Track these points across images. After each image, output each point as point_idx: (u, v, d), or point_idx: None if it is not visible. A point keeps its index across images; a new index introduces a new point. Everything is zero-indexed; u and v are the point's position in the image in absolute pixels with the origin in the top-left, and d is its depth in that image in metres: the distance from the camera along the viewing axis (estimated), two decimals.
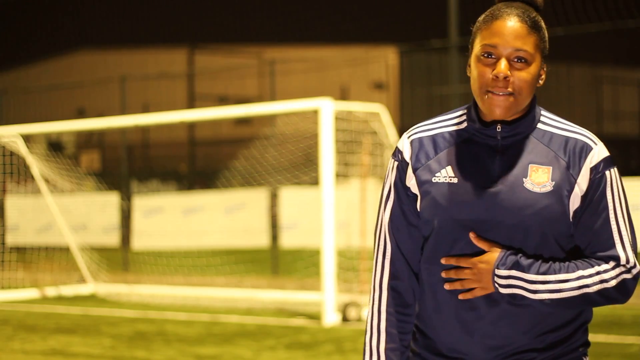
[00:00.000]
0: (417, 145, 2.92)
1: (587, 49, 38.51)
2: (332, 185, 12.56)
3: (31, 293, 16.30)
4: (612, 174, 2.84)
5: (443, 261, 2.82)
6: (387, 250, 2.96)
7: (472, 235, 2.79)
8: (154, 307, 14.51)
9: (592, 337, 11.17)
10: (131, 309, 14.39)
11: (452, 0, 16.20)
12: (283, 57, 31.55)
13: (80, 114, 41.12)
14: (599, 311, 12.94)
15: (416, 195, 2.91)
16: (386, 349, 2.94)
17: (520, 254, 2.79)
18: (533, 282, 2.77)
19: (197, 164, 36.87)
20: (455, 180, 2.85)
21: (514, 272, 2.77)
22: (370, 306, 2.98)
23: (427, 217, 2.88)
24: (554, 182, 2.80)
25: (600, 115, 44.43)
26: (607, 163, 2.84)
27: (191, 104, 40.88)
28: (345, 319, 12.26)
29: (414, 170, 2.91)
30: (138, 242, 19.99)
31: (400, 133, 13.69)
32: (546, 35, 2.87)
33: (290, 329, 12.00)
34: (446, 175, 2.86)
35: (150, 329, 12.21)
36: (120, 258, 19.73)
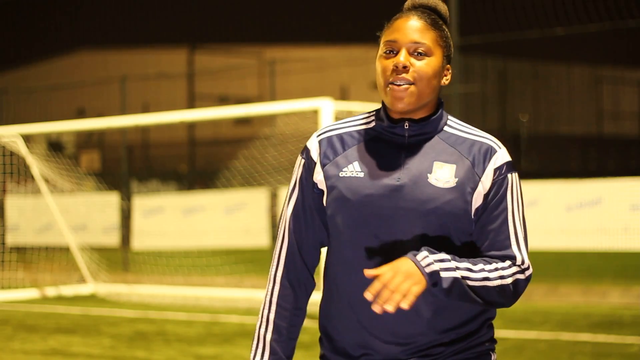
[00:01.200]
0: (326, 144, 3.02)
1: (587, 49, 38.51)
2: None
3: (31, 293, 16.30)
4: (513, 177, 2.95)
5: (365, 272, 2.83)
6: (284, 244, 3.08)
7: (366, 273, 2.80)
8: (154, 307, 14.51)
9: (592, 337, 11.01)
10: (131, 309, 14.39)
11: (452, 0, 16.19)
12: (283, 57, 31.56)
13: (80, 114, 41.13)
14: (599, 311, 12.85)
15: (322, 191, 3.00)
16: (272, 340, 3.08)
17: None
18: (455, 267, 2.81)
19: (197, 164, 36.87)
20: (361, 174, 2.93)
21: (432, 257, 2.79)
22: (264, 296, 3.11)
23: (333, 211, 2.96)
24: (457, 179, 2.90)
25: (600, 115, 44.42)
26: (509, 167, 2.95)
27: (191, 104, 40.89)
28: None
29: (322, 166, 2.99)
30: (138, 242, 19.99)
31: None
32: (449, 39, 3.00)
33: None
34: (353, 170, 2.95)
35: (150, 329, 12.22)
36: (120, 258, 19.72)
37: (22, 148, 16.37)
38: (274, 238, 18.72)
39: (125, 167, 21.49)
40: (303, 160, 3.05)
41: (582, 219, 14.27)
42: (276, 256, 3.09)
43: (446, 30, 2.99)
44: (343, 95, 38.81)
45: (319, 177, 3.00)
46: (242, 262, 16.98)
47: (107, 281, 16.65)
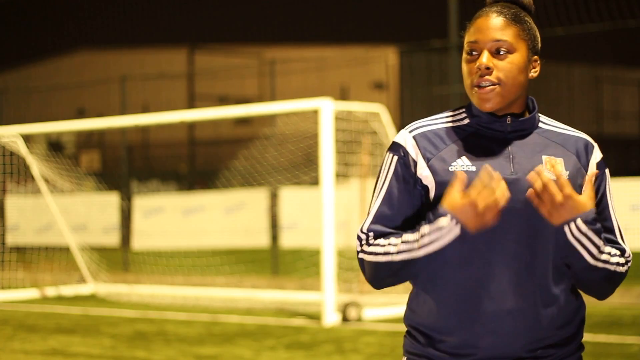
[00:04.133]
0: (423, 139, 2.93)
1: (587, 49, 38.51)
2: (332, 185, 12.56)
3: (31, 293, 16.30)
4: (608, 172, 2.99)
5: (545, 160, 2.86)
6: (380, 207, 2.93)
7: (540, 171, 2.77)
8: (154, 307, 14.51)
9: (592, 337, 11.02)
10: (131, 309, 14.39)
11: (452, 0, 16.19)
12: (283, 57, 31.56)
13: (80, 114, 41.12)
14: (599, 311, 12.85)
15: (427, 187, 2.90)
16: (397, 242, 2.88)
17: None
18: (599, 247, 2.84)
19: (197, 164, 36.86)
20: (473, 168, 2.86)
21: (591, 234, 2.82)
22: (381, 256, 2.88)
23: (440, 208, 2.83)
24: (568, 172, 2.89)
25: (600, 115, 44.42)
26: (604, 163, 2.99)
27: (191, 104, 40.88)
28: (345, 319, 12.26)
29: (427, 161, 2.90)
30: (138, 242, 19.99)
31: None
32: (534, 30, 2.95)
33: (290, 329, 12.00)
34: (463, 164, 2.88)
35: (150, 329, 12.21)
36: (120, 258, 19.73)
37: (22, 148, 16.37)
38: (274, 238, 18.80)
39: (125, 167, 21.48)
40: (396, 157, 2.93)
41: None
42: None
43: (529, 22, 2.94)
44: (343, 95, 38.80)
45: (423, 172, 2.89)
46: (242, 262, 16.98)
47: (107, 281, 16.65)
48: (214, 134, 39.05)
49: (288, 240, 18.46)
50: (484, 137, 2.92)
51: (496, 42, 2.87)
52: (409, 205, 2.91)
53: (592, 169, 2.93)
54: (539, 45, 2.97)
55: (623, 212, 13.85)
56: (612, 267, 2.87)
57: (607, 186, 2.97)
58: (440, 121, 2.98)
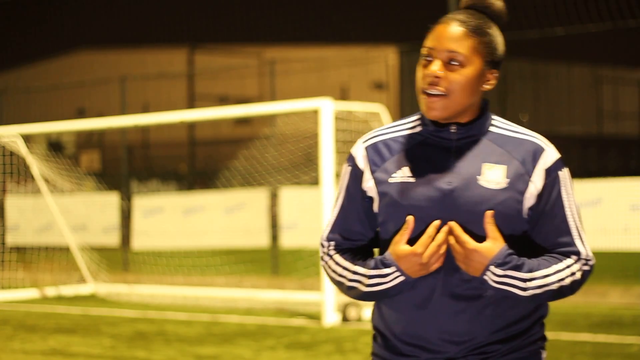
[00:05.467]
0: (372, 150, 3.00)
1: (587, 49, 38.51)
2: (332, 185, 12.57)
3: (31, 293, 16.29)
4: (565, 173, 2.96)
5: (449, 225, 2.86)
6: (335, 230, 3.06)
7: (453, 227, 2.83)
8: (154, 307, 14.51)
9: (592, 337, 11.01)
10: (131, 309, 14.39)
11: (452, 0, 16.19)
12: (283, 57, 31.55)
13: (80, 114, 41.12)
14: (599, 311, 12.83)
15: (372, 198, 2.98)
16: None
17: (514, 253, 2.87)
18: (525, 280, 2.86)
19: (197, 164, 36.86)
20: (412, 179, 2.92)
21: (510, 272, 2.85)
22: (338, 277, 3.04)
23: (385, 217, 2.95)
24: (508, 180, 2.89)
25: (600, 115, 44.41)
26: (559, 164, 2.95)
27: (191, 104, 40.88)
28: (345, 319, 12.27)
29: (372, 172, 2.97)
30: (138, 242, 19.99)
31: None
32: (495, 42, 2.94)
33: (290, 329, 12.00)
34: (402, 175, 2.93)
35: (150, 329, 12.21)
36: (120, 258, 19.72)
37: (22, 148, 16.37)
38: (274, 238, 18.79)
39: (125, 167, 21.47)
40: (349, 168, 3.02)
41: (582, 219, 14.25)
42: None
43: (492, 34, 2.93)
44: (343, 95, 38.81)
45: (368, 184, 2.98)
46: (242, 262, 16.98)
47: (107, 281, 16.65)
48: (214, 134, 39.05)
49: (288, 240, 18.45)
50: (431, 146, 2.96)
51: (450, 53, 2.88)
52: (360, 215, 3.00)
53: (540, 175, 2.90)
54: (500, 56, 2.96)
55: (623, 212, 13.85)
56: (553, 286, 2.88)
57: (564, 189, 2.94)
58: (395, 129, 3.03)
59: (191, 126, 36.17)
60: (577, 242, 2.95)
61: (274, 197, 18.84)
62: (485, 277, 2.83)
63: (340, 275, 3.00)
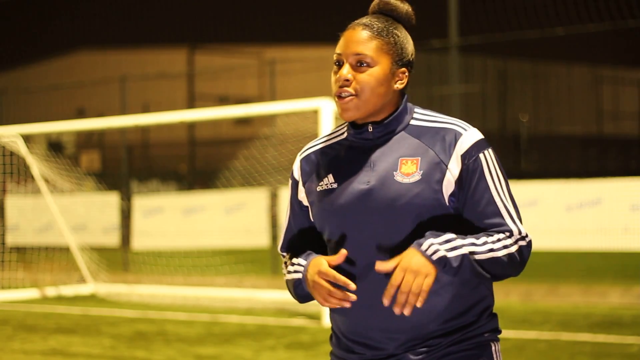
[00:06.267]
0: (305, 162, 3.14)
1: (587, 49, 38.50)
2: None
3: (31, 293, 16.29)
4: (487, 155, 2.98)
5: (376, 266, 2.89)
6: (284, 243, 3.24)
7: (379, 266, 2.87)
8: (154, 307, 14.51)
9: (592, 337, 10.96)
10: (131, 309, 14.39)
11: (452, 0, 16.19)
12: (283, 57, 31.54)
13: (80, 114, 41.13)
14: (599, 311, 12.77)
15: (307, 207, 3.12)
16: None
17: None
18: (458, 245, 2.88)
19: (197, 164, 36.87)
20: (335, 185, 3.02)
21: (443, 238, 2.87)
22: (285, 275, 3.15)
23: (318, 225, 3.08)
24: (422, 171, 2.95)
25: (600, 115, 44.39)
26: (479, 146, 2.98)
27: (191, 104, 40.89)
28: None
29: (304, 183, 3.11)
30: (138, 242, 19.99)
31: None
32: (402, 43, 3.03)
33: (290, 329, 12.00)
34: (328, 182, 3.05)
35: (150, 329, 12.22)
36: (120, 258, 19.72)
37: (22, 148, 16.36)
38: (274, 238, 18.78)
39: (125, 167, 21.48)
40: (290, 181, 3.18)
41: (582, 219, 14.26)
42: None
43: (398, 35, 3.02)
44: None
45: (301, 194, 3.12)
46: (242, 262, 16.97)
47: (107, 281, 16.65)
48: (214, 134, 39.05)
49: None
50: (354, 149, 3.05)
51: (357, 56, 2.99)
52: (304, 225, 3.14)
53: (456, 161, 2.94)
54: (409, 57, 3.04)
55: (623, 212, 13.85)
56: (486, 256, 2.88)
57: (486, 170, 2.96)
58: (326, 139, 3.15)
59: (191, 126, 36.17)
60: (508, 221, 2.95)
61: (274, 197, 18.84)
62: (436, 257, 2.84)
63: (288, 272, 3.12)
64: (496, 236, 2.92)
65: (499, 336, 3.10)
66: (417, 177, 2.94)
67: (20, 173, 17.18)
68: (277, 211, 18.80)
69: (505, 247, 2.91)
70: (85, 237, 18.68)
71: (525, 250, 2.95)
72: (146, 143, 39.72)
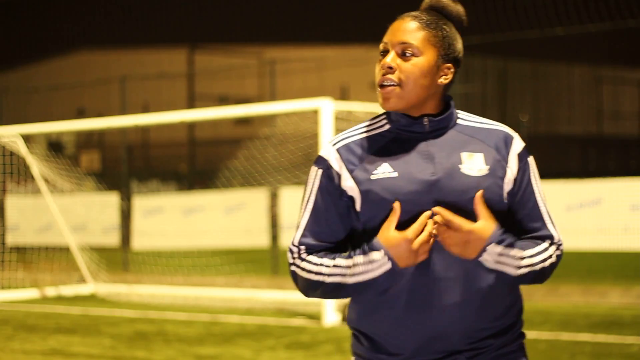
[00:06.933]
0: (346, 150, 3.01)
1: (587, 49, 38.49)
2: None
3: (31, 293, 16.29)
4: (532, 160, 3.05)
5: (435, 209, 2.86)
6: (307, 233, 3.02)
7: (440, 211, 2.84)
8: (154, 307, 14.51)
9: (592, 337, 10.99)
10: (131, 309, 14.38)
11: None
12: (283, 57, 31.55)
13: (80, 114, 41.12)
14: (599, 311, 12.78)
15: (352, 197, 2.97)
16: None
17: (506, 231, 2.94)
18: (518, 258, 2.92)
19: (197, 164, 36.86)
20: (395, 174, 2.93)
21: (506, 251, 2.90)
22: (316, 275, 2.98)
23: (370, 215, 2.94)
24: (488, 166, 2.94)
25: (600, 115, 44.39)
26: (526, 151, 3.03)
27: (191, 104, 40.89)
28: (345, 319, 12.26)
29: (351, 172, 2.97)
30: (138, 242, 19.99)
31: None
32: (451, 39, 3.00)
33: (290, 329, 12.00)
34: (384, 171, 2.95)
35: (150, 329, 12.21)
36: (120, 258, 19.72)
37: (22, 148, 16.37)
38: (274, 238, 18.79)
39: (125, 167, 21.47)
40: (321, 171, 3.00)
41: (582, 219, 14.27)
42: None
43: (447, 30, 2.99)
44: (343, 95, 38.80)
45: (347, 183, 2.97)
46: (242, 262, 16.97)
47: (107, 281, 16.65)
48: (214, 134, 39.05)
49: (288, 240, 18.43)
50: (403, 141, 2.98)
51: (402, 44, 2.95)
52: (335, 217, 2.98)
53: (514, 161, 2.98)
54: (457, 54, 3.02)
55: (623, 212, 13.85)
56: (538, 267, 2.96)
57: (532, 173, 3.01)
58: (360, 131, 3.05)
59: (191, 126, 36.17)
60: (550, 226, 3.02)
61: (274, 197, 18.84)
62: (482, 259, 2.88)
63: (318, 274, 2.94)
64: (542, 246, 2.98)
65: None
66: (485, 171, 2.93)
67: (20, 173, 17.18)
68: (277, 211, 18.80)
69: (549, 256, 2.99)
70: (85, 237, 18.68)
71: (559, 259, 3.04)
72: (146, 143, 39.71)
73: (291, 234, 18.07)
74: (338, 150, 3.01)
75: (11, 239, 19.45)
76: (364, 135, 3.03)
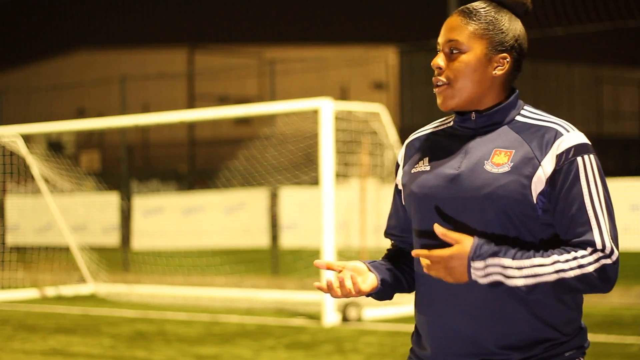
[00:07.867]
0: (409, 147, 3.10)
1: (587, 49, 38.48)
2: (332, 185, 12.56)
3: (31, 293, 16.29)
4: (587, 160, 2.86)
5: (413, 254, 2.86)
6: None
7: (436, 229, 2.81)
8: (154, 307, 14.51)
9: (592, 337, 11.15)
10: (131, 309, 14.39)
11: (452, 0, 16.19)
12: (283, 57, 31.55)
13: (80, 114, 41.11)
14: (599, 311, 12.83)
15: (401, 190, 3.08)
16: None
17: (491, 242, 2.81)
18: (510, 267, 2.77)
19: (197, 164, 36.87)
20: (427, 168, 2.98)
21: (490, 261, 2.78)
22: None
23: (407, 207, 3.04)
24: (512, 164, 2.86)
25: (600, 115, 44.40)
26: (579, 149, 2.87)
27: (191, 104, 40.89)
28: (345, 319, 12.26)
29: (403, 166, 3.08)
30: (138, 242, 19.99)
31: (400, 133, 13.69)
32: (501, 27, 2.93)
33: (290, 329, 12.00)
34: (422, 165, 3.00)
35: (150, 329, 12.22)
36: (120, 258, 19.72)
37: (22, 148, 16.37)
38: (274, 238, 18.79)
39: (125, 167, 21.47)
40: (395, 167, 3.16)
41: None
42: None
43: (497, 18, 2.93)
44: (343, 95, 38.80)
45: (398, 177, 3.10)
46: (242, 262, 16.98)
47: (107, 281, 16.65)
48: (214, 134, 39.05)
49: (288, 240, 18.45)
50: (455, 137, 3.00)
51: (449, 42, 2.94)
52: (401, 210, 3.11)
53: (551, 160, 2.84)
54: (512, 42, 2.94)
55: (623, 212, 13.84)
56: (549, 278, 2.77)
57: (582, 175, 2.83)
58: (433, 126, 3.11)
59: (191, 126, 36.18)
60: (595, 232, 2.80)
61: (274, 197, 18.84)
62: (474, 278, 2.79)
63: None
64: (573, 254, 2.79)
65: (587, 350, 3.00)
66: (506, 168, 2.85)
67: (20, 173, 17.19)
68: (277, 211, 18.80)
69: (580, 266, 2.78)
70: (85, 237, 18.68)
71: (609, 269, 2.79)
72: (146, 143, 39.72)
73: (291, 234, 18.09)
74: (407, 145, 3.12)
75: (11, 239, 19.45)
76: (431, 131, 3.09)
